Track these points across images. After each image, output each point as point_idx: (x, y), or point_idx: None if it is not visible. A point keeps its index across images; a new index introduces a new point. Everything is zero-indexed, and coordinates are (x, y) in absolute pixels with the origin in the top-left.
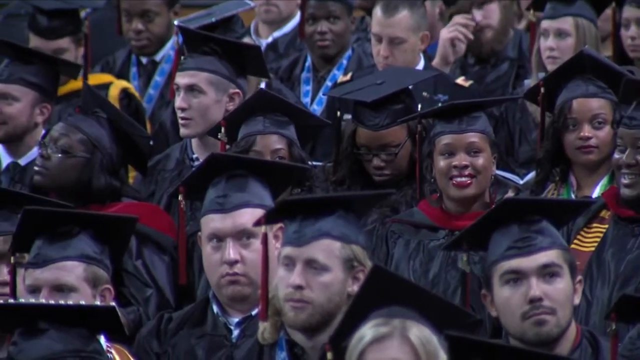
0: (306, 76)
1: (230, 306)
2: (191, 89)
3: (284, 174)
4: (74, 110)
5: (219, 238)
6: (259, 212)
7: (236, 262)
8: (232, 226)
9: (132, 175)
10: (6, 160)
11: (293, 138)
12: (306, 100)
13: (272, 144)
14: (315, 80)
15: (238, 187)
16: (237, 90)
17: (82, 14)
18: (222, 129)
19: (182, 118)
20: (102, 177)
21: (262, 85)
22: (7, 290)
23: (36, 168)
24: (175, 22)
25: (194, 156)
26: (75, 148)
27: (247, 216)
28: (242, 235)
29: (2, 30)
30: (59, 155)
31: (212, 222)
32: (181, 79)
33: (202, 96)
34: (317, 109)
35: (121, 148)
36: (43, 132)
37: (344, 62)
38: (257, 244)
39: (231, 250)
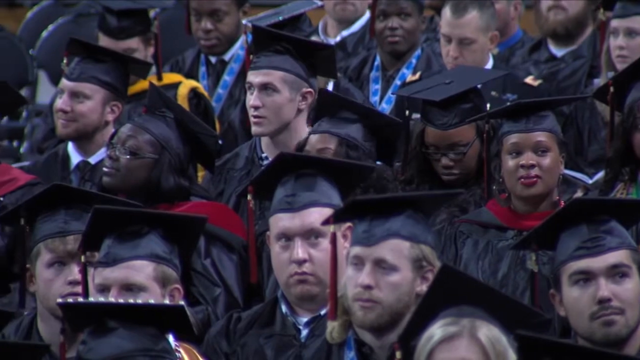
0: (375, 75)
1: (298, 305)
2: (265, 87)
3: (352, 173)
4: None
5: (287, 237)
6: (327, 212)
7: (304, 261)
8: (301, 225)
9: (201, 174)
10: (76, 159)
11: (347, 136)
12: (375, 99)
13: (317, 143)
14: (384, 79)
15: (307, 186)
16: (310, 90)
17: (152, 13)
18: None
19: (255, 116)
20: (170, 177)
21: (330, 86)
22: (78, 289)
23: (105, 169)
24: (244, 21)
25: (263, 155)
26: (143, 149)
27: (316, 215)
28: (310, 235)
29: (72, 30)
30: (128, 156)
31: (280, 222)
32: (254, 77)
33: (275, 95)
34: (386, 107)
35: (189, 147)
36: (112, 132)
37: (413, 61)
38: (325, 243)
39: (299, 250)
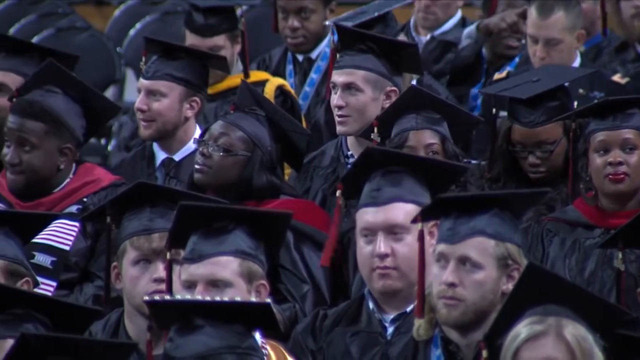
0: (484, 68)
1: (382, 301)
2: (348, 87)
3: (440, 171)
4: (230, 107)
5: (371, 231)
6: (411, 208)
7: (386, 255)
8: (384, 220)
9: (288, 172)
10: (161, 156)
11: (446, 134)
12: (475, 91)
13: (425, 138)
14: (487, 74)
15: (392, 181)
16: (394, 88)
17: (238, 11)
18: (375, 129)
19: (339, 116)
20: (263, 175)
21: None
22: (164, 286)
23: (197, 166)
24: (327, 22)
25: (349, 153)
26: (235, 146)
27: (399, 211)
28: (393, 229)
29: (159, 28)
30: (220, 153)
31: (365, 215)
32: (338, 77)
33: (359, 94)
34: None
35: (279, 145)
36: (199, 130)
37: (516, 59)
38: (408, 238)
39: (382, 244)
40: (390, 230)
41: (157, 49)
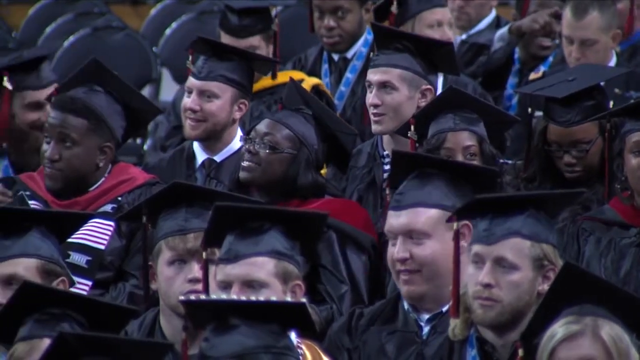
0: (515, 69)
1: (414, 304)
2: (383, 85)
3: (472, 175)
4: (269, 107)
5: (393, 235)
6: (434, 213)
7: (405, 259)
8: (403, 224)
9: (323, 172)
10: (202, 156)
11: (483, 135)
12: (510, 91)
13: (463, 140)
14: (521, 74)
15: (417, 185)
16: (429, 87)
17: (273, 11)
18: (412, 127)
19: (375, 114)
20: (308, 174)
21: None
22: (199, 287)
23: (244, 164)
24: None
25: (385, 153)
26: (282, 144)
27: (419, 216)
28: (412, 234)
29: (195, 28)
30: (267, 150)
31: (389, 219)
32: (373, 75)
33: (394, 93)
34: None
35: (325, 144)
36: (240, 132)
37: (550, 59)
38: (428, 243)
39: (400, 248)
40: (408, 234)
41: (206, 49)
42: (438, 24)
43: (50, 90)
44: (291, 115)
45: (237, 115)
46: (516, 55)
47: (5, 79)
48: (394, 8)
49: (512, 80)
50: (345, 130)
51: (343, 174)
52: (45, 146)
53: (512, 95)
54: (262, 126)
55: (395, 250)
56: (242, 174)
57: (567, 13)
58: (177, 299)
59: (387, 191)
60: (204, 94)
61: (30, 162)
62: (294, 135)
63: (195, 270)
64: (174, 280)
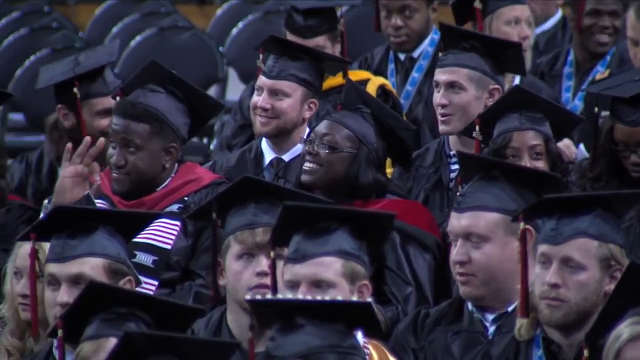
0: (568, 71)
1: (478, 304)
2: (451, 85)
3: (535, 179)
4: (336, 107)
5: (454, 237)
6: (494, 216)
7: (463, 262)
8: (462, 227)
9: (389, 171)
10: (270, 155)
11: (549, 134)
12: (567, 95)
13: (529, 139)
14: (577, 76)
15: (479, 188)
16: (497, 86)
17: (339, 11)
18: (477, 127)
19: (442, 114)
20: (369, 172)
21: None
22: (266, 280)
23: (306, 167)
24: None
25: (451, 152)
26: (341, 144)
27: (479, 220)
28: (471, 237)
29: (261, 27)
30: (326, 151)
31: (451, 220)
32: (441, 75)
33: (462, 92)
34: (578, 104)
35: (385, 142)
36: (308, 129)
37: (607, 57)
38: (487, 246)
39: (458, 250)
40: (467, 237)
41: (277, 48)
42: (516, 21)
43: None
44: (349, 115)
45: (307, 114)
46: (570, 57)
47: (74, 89)
48: (477, 4)
49: (566, 83)
50: (404, 126)
51: (406, 171)
52: (111, 151)
53: (568, 99)
54: (321, 127)
55: (454, 252)
56: (304, 177)
57: (630, 15)
58: (245, 293)
59: (459, 187)
60: (274, 93)
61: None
62: (353, 134)
63: (264, 264)
64: (242, 274)
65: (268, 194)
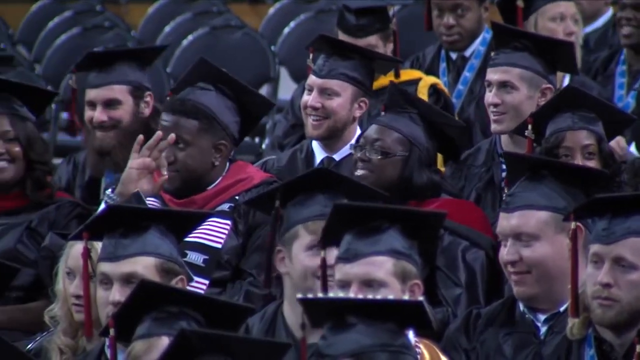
0: (621, 69)
1: (531, 304)
2: (503, 85)
3: (583, 176)
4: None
5: (503, 236)
6: (544, 215)
7: (514, 262)
8: (512, 227)
9: (442, 169)
10: (321, 155)
11: (602, 134)
12: (620, 92)
13: (582, 139)
14: (630, 74)
15: (527, 187)
16: (549, 86)
17: (391, 11)
18: (529, 126)
19: (494, 113)
20: (423, 173)
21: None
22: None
23: (358, 173)
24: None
25: (502, 152)
26: (393, 148)
27: (529, 218)
28: (521, 236)
29: (313, 27)
30: (379, 157)
31: (500, 220)
32: (493, 74)
33: (514, 92)
34: (631, 102)
35: (435, 141)
36: (359, 130)
37: None
38: (537, 245)
39: (509, 250)
40: (517, 237)
41: (327, 47)
42: (561, 18)
43: (119, 88)
44: (398, 118)
45: (357, 113)
46: (622, 57)
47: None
48: (519, 2)
49: (619, 80)
50: (452, 123)
51: (456, 163)
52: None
53: (621, 97)
54: (371, 132)
55: (505, 252)
56: None
57: None
58: (315, 283)
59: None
60: (324, 92)
61: None
62: (404, 137)
63: (334, 255)
64: (313, 264)
65: (337, 186)
